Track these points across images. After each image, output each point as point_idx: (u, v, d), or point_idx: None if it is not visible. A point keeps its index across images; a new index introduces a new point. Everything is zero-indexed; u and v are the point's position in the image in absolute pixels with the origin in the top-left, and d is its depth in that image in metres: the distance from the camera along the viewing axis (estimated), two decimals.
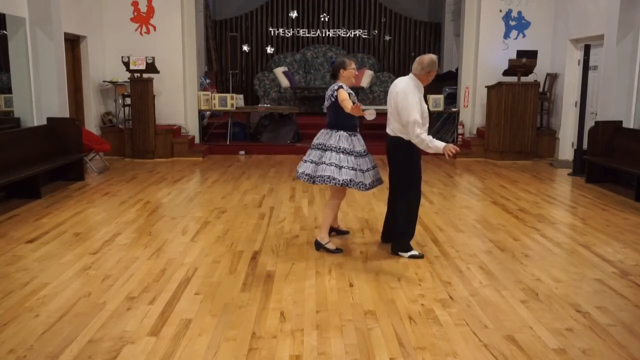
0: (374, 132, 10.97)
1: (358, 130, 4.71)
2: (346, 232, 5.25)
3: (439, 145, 4.30)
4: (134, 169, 8.77)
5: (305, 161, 4.65)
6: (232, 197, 6.83)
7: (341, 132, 4.58)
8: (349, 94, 4.54)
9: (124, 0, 10.13)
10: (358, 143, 4.62)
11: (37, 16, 7.69)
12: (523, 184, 7.77)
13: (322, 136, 4.66)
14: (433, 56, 4.47)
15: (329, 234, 4.90)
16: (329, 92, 4.63)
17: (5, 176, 6.12)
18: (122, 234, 5.23)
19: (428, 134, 4.40)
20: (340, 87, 4.54)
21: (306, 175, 4.57)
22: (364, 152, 4.64)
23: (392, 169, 4.64)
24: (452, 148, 4.27)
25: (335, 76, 4.68)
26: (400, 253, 4.64)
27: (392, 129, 4.53)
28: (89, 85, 9.71)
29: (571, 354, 3.03)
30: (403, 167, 4.54)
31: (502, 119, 9.73)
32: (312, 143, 4.71)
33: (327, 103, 4.64)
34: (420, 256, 4.61)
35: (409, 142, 4.41)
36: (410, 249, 4.65)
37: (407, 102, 4.31)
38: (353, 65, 4.66)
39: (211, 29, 13.89)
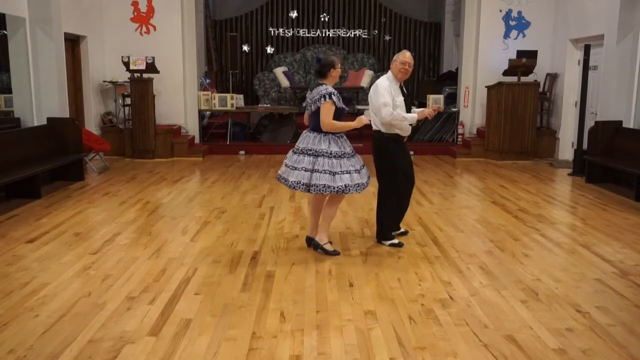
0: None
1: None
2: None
3: (413, 115, 4.67)
4: (134, 169, 8.77)
5: (296, 168, 4.42)
6: (232, 197, 6.83)
7: (330, 136, 4.44)
8: (337, 106, 4.39)
9: (124, 0, 10.13)
10: (346, 144, 4.55)
11: (37, 16, 7.69)
12: (523, 184, 7.77)
13: (310, 140, 4.46)
14: (402, 51, 4.79)
15: (308, 245, 4.82)
16: (315, 96, 4.41)
17: (5, 176, 6.12)
18: (122, 234, 5.23)
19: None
20: (329, 95, 4.34)
21: (303, 184, 4.36)
22: (352, 152, 4.58)
23: (375, 162, 4.90)
24: (432, 110, 4.71)
25: (323, 75, 4.47)
26: (382, 241, 4.94)
27: (373, 122, 4.81)
28: (89, 85, 9.71)
29: (571, 354, 3.03)
30: (384, 160, 4.81)
31: (502, 119, 9.73)
32: (297, 147, 4.52)
33: (313, 107, 4.44)
34: (400, 245, 4.88)
35: (388, 137, 4.71)
36: (392, 238, 4.94)
37: (377, 90, 4.65)
38: (341, 64, 4.55)
39: (211, 29, 13.89)
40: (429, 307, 3.62)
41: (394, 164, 4.78)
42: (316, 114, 4.44)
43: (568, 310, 3.60)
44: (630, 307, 3.67)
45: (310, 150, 4.44)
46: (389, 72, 4.72)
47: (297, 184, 4.38)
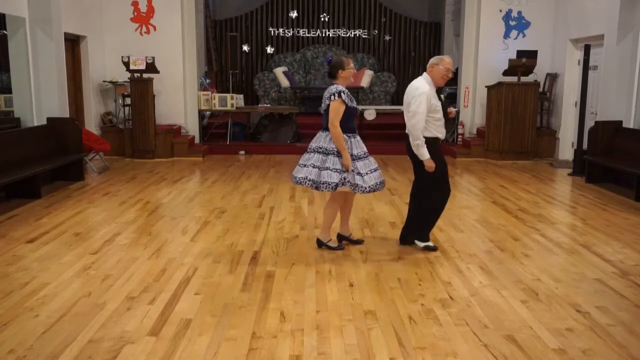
0: (375, 132, 10.99)
1: (357, 132, 4.64)
2: (359, 242, 4.96)
3: (424, 152, 4.48)
4: (134, 169, 8.78)
5: (306, 165, 4.49)
6: (232, 197, 6.83)
7: (342, 135, 4.45)
8: (347, 105, 4.41)
9: (124, 0, 10.13)
10: (357, 146, 4.52)
11: (37, 16, 7.69)
12: (523, 184, 7.77)
13: (322, 139, 4.52)
14: (443, 56, 4.62)
15: (340, 242, 4.89)
16: (326, 94, 4.48)
17: (5, 176, 6.12)
18: (122, 234, 5.23)
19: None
20: (339, 94, 4.37)
21: (310, 180, 4.41)
22: (364, 154, 4.54)
23: (415, 167, 4.69)
24: (431, 168, 4.51)
25: (333, 76, 4.52)
26: (416, 241, 4.80)
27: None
28: (89, 85, 9.71)
29: (571, 354, 3.03)
30: (419, 166, 4.59)
31: (502, 119, 9.73)
32: (310, 146, 4.58)
33: (323, 106, 4.50)
34: (434, 248, 4.76)
35: (429, 140, 4.51)
36: (427, 240, 4.79)
37: (416, 95, 4.44)
38: (351, 65, 4.52)
39: (211, 29, 13.89)
40: (429, 307, 3.62)
41: (436, 165, 4.57)
42: (327, 113, 4.46)
43: (568, 310, 3.60)
44: (630, 307, 3.67)
45: (321, 148, 4.49)
46: (427, 76, 4.54)
47: (304, 179, 4.44)
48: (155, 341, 3.13)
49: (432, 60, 4.59)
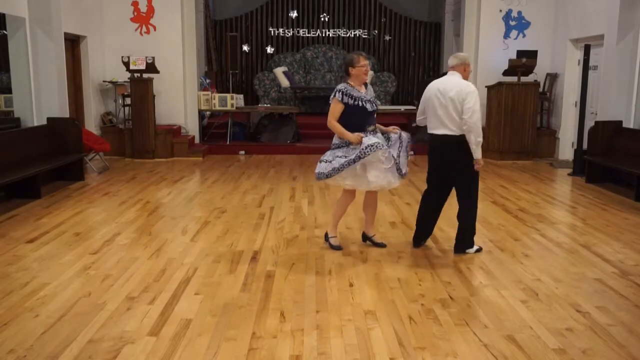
0: None
1: (373, 128, 4.53)
2: (382, 245, 4.86)
3: (480, 151, 4.41)
4: (134, 169, 8.78)
5: (322, 161, 4.53)
6: (232, 197, 6.83)
7: (355, 134, 4.43)
8: (347, 104, 4.40)
9: (124, 0, 10.13)
10: (375, 138, 4.44)
11: (37, 16, 7.68)
12: (523, 184, 7.77)
13: (335, 137, 4.58)
14: (461, 53, 4.67)
15: (364, 241, 4.93)
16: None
17: (5, 176, 6.12)
18: (122, 234, 5.23)
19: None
20: (335, 93, 4.43)
21: (322, 174, 4.45)
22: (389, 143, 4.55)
23: (456, 170, 4.54)
24: (480, 166, 4.47)
25: (346, 73, 4.55)
26: (467, 250, 4.73)
27: (441, 125, 4.47)
28: (89, 85, 9.70)
29: (571, 354, 3.03)
30: (468, 165, 4.47)
31: (502, 119, 9.73)
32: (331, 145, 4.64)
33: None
34: (480, 249, 4.77)
35: (464, 139, 4.42)
36: (474, 244, 4.77)
37: (470, 92, 4.35)
38: (363, 62, 4.47)
39: (211, 29, 13.88)
40: (429, 307, 3.62)
41: (473, 166, 4.50)
42: None
43: (568, 310, 3.60)
44: (630, 307, 3.67)
45: (334, 144, 4.57)
46: (460, 74, 4.50)
47: (320, 174, 4.49)
48: (155, 341, 3.13)
49: (464, 59, 4.56)
